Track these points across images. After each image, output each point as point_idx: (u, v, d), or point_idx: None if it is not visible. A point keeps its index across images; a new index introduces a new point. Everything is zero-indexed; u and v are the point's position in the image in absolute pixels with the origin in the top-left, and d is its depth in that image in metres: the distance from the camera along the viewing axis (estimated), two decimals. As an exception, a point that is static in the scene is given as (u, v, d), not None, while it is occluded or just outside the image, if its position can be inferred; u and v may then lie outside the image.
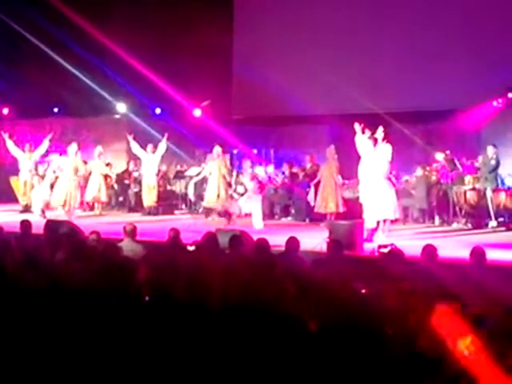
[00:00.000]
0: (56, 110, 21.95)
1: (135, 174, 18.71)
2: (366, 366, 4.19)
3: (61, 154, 17.35)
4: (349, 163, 13.57)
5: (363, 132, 12.51)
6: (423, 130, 17.83)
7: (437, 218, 15.40)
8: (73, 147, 16.35)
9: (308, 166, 16.96)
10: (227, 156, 17.23)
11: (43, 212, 16.37)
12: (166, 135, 17.03)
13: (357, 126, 12.48)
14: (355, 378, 4.14)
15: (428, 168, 15.95)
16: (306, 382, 4.11)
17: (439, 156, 15.89)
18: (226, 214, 14.42)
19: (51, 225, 11.10)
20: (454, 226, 14.79)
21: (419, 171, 15.75)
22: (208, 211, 16.38)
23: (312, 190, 15.74)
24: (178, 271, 6.13)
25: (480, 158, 15.03)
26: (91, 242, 8.97)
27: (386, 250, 7.66)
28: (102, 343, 4.48)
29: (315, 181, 15.51)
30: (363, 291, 5.61)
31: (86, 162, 18.78)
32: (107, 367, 4.33)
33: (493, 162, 14.33)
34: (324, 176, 15.06)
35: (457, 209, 15.07)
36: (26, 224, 10.33)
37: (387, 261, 7.46)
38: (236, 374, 4.21)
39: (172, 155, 18.55)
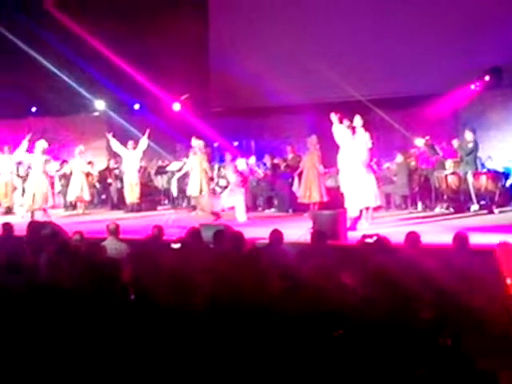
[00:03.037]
0: (34, 109, 21.83)
1: (116, 172, 18.65)
2: (353, 357, 4.21)
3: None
4: (330, 152, 13.56)
5: (341, 121, 12.50)
6: (402, 115, 17.87)
7: (419, 204, 15.47)
8: (40, 144, 16.23)
9: (289, 156, 16.95)
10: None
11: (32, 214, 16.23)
12: (147, 131, 16.97)
13: (333, 116, 12.45)
14: (343, 370, 4.16)
15: (407, 154, 15.99)
16: (294, 377, 4.12)
17: (419, 142, 15.93)
18: (212, 213, 14.37)
19: (34, 226, 11.03)
20: (437, 210, 14.86)
21: (399, 158, 15.78)
22: (192, 206, 16.37)
23: (296, 180, 15.74)
24: (161, 270, 6.13)
25: (455, 142, 15.08)
26: (75, 243, 8.93)
27: (370, 240, 7.66)
28: (88, 343, 4.47)
29: (298, 171, 15.51)
30: (348, 282, 5.63)
31: (66, 161, 18.74)
32: (94, 367, 4.32)
33: (470, 146, 14.36)
34: (306, 166, 15.05)
35: (439, 194, 15.14)
36: (7, 226, 10.27)
37: (372, 250, 7.46)
38: (223, 370, 4.22)
39: (153, 151, 18.49)
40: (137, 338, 4.50)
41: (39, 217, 15.31)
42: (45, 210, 15.81)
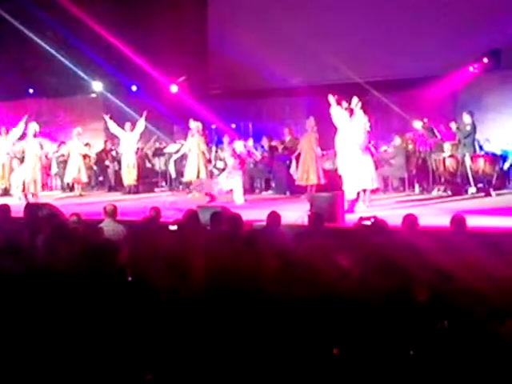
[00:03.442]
0: (31, 90, 21.76)
1: (113, 154, 18.63)
2: (351, 338, 4.22)
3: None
4: (328, 134, 13.55)
5: (339, 103, 12.48)
6: (400, 97, 17.82)
7: (417, 187, 15.48)
8: (31, 127, 16.27)
9: (287, 138, 16.93)
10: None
11: (25, 195, 16.25)
12: (144, 113, 16.94)
13: (331, 98, 12.44)
14: (341, 352, 4.17)
15: (405, 136, 15.97)
16: (289, 359, 4.13)
17: (417, 124, 15.91)
18: (208, 195, 14.38)
19: (31, 208, 11.01)
20: (434, 193, 14.87)
21: (397, 140, 15.76)
22: (189, 188, 16.38)
23: (294, 162, 15.73)
24: (158, 251, 6.13)
25: (453, 124, 15.07)
26: (72, 224, 8.91)
27: (367, 223, 7.66)
28: (86, 326, 4.47)
29: (296, 153, 15.49)
30: (345, 264, 5.62)
31: (64, 143, 18.70)
32: (91, 349, 4.32)
33: (468, 128, 14.37)
34: (304, 148, 15.03)
35: (436, 176, 15.13)
36: (4, 208, 10.23)
37: (369, 232, 7.47)
38: (219, 352, 4.22)
39: (150, 132, 18.46)
40: (133, 320, 4.50)
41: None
42: (34, 195, 15.88)
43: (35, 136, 16.31)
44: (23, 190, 16.05)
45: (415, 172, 15.58)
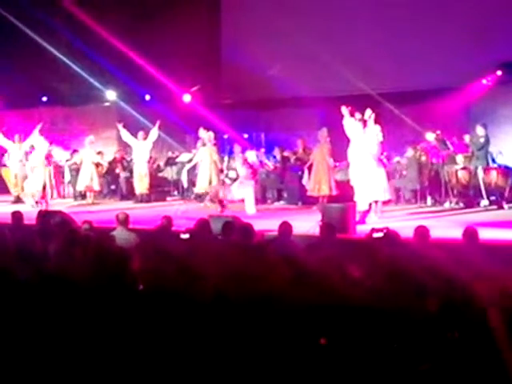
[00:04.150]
0: (45, 99, 21.86)
1: (125, 162, 18.69)
2: (361, 347, 4.21)
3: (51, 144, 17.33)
4: (341, 146, 13.56)
5: (352, 114, 12.49)
6: (413, 109, 17.80)
7: (429, 199, 15.42)
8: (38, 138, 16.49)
9: (300, 149, 16.92)
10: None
11: (36, 202, 16.33)
12: (158, 122, 17.00)
13: (344, 109, 12.46)
14: (349, 361, 4.16)
15: (418, 147, 15.94)
16: (301, 370, 4.12)
17: (430, 136, 15.87)
18: (219, 202, 14.39)
19: (43, 215, 11.06)
20: (446, 205, 14.81)
21: (410, 152, 15.74)
22: (200, 197, 16.40)
23: (306, 173, 15.73)
24: (170, 260, 6.14)
25: (467, 137, 15.04)
26: (84, 232, 8.94)
27: (379, 234, 7.65)
28: (97, 333, 4.48)
29: (308, 164, 15.49)
30: (356, 274, 5.62)
31: (76, 151, 18.78)
32: (102, 357, 4.33)
33: (482, 140, 14.34)
34: (316, 159, 15.03)
35: (448, 188, 15.09)
36: (17, 215, 10.29)
37: (381, 243, 7.46)
38: (229, 361, 4.22)
39: (162, 142, 18.51)
40: (144, 328, 4.51)
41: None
42: (41, 202, 15.97)
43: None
44: (42, 196, 16.12)
45: (427, 184, 15.54)
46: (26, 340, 4.44)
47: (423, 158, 15.76)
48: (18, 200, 17.25)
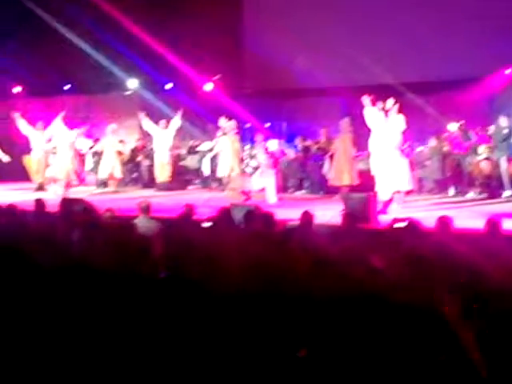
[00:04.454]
0: (67, 87, 21.95)
1: (147, 151, 18.73)
2: (382, 339, 4.20)
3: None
4: (363, 135, 13.52)
5: (374, 104, 12.44)
6: (436, 99, 17.69)
7: (451, 189, 15.35)
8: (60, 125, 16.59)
9: (323, 139, 16.88)
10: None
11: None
12: (180, 111, 17.01)
13: (365, 99, 12.40)
14: (369, 351, 4.16)
15: (441, 138, 15.86)
16: (321, 356, 4.12)
17: (453, 126, 15.80)
18: (241, 191, 14.41)
19: (66, 202, 11.12)
20: (469, 196, 14.73)
21: (432, 142, 15.68)
22: (222, 185, 16.43)
23: (327, 162, 15.70)
24: (192, 248, 6.15)
25: (491, 128, 14.94)
26: (106, 220, 8.99)
27: (401, 225, 7.62)
28: (118, 320, 4.50)
29: (330, 153, 15.46)
30: (377, 265, 5.61)
31: (99, 139, 18.85)
32: (124, 344, 4.35)
33: (505, 131, 14.25)
34: (338, 148, 14.99)
35: (471, 179, 15.01)
36: (40, 203, 10.36)
37: (403, 234, 7.44)
38: (252, 350, 4.23)
39: (184, 130, 18.53)
40: (164, 316, 4.52)
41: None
42: (67, 185, 16.07)
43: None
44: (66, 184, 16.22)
45: (450, 174, 15.46)
46: (49, 326, 4.47)
47: (446, 149, 15.69)
48: (41, 187, 17.34)
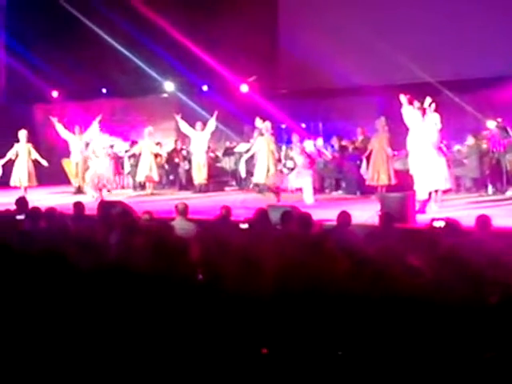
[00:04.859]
0: (104, 90, 22.13)
1: (184, 153, 18.81)
2: (422, 338, 4.18)
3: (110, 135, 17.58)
4: (399, 134, 13.45)
5: (411, 103, 12.36)
6: (473, 97, 17.51)
7: (490, 187, 15.19)
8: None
9: (360, 138, 16.82)
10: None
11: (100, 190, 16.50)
12: (215, 113, 17.06)
13: (402, 98, 12.33)
14: (411, 351, 4.13)
15: (478, 136, 15.71)
16: (362, 357, 4.11)
17: (491, 124, 15.64)
18: (276, 191, 14.41)
19: (104, 205, 11.20)
20: (508, 194, 14.58)
21: (470, 140, 15.53)
22: (258, 187, 16.44)
23: (364, 162, 15.65)
24: (230, 250, 6.16)
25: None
26: (144, 222, 9.04)
27: (440, 224, 7.56)
28: (157, 323, 4.52)
29: (366, 153, 15.41)
30: (416, 264, 5.57)
31: (136, 142, 18.97)
32: (164, 345, 4.37)
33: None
34: (375, 148, 14.95)
35: (510, 177, 14.85)
36: (79, 205, 10.44)
37: (441, 233, 7.38)
38: (287, 349, 4.23)
39: (220, 132, 18.58)
40: (202, 318, 4.53)
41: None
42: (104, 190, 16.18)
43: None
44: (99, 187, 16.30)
45: (488, 172, 15.31)
46: (87, 329, 4.51)
47: (484, 146, 15.54)
48: (79, 191, 17.50)
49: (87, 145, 17.69)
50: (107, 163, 16.66)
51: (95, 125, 17.42)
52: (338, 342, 4.21)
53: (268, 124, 16.20)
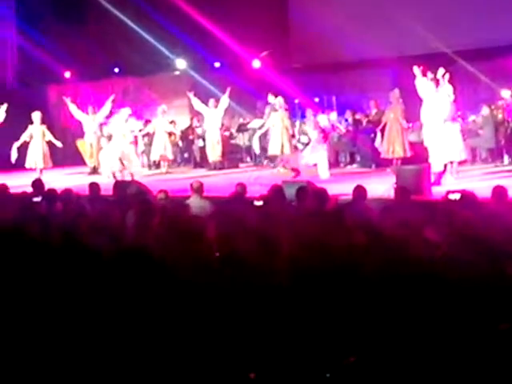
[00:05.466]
0: (117, 70, 22.10)
1: (198, 131, 18.78)
2: (442, 314, 4.17)
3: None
4: (413, 106, 13.37)
5: (424, 74, 12.28)
6: (488, 66, 17.34)
7: (506, 157, 15.10)
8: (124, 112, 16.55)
9: (373, 111, 16.73)
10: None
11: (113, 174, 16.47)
12: (228, 89, 17.01)
13: (416, 69, 12.25)
14: (429, 325, 4.12)
15: (493, 106, 15.59)
16: (382, 334, 4.11)
17: (505, 93, 15.52)
18: (292, 168, 14.39)
19: (120, 186, 11.22)
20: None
21: (485, 110, 15.41)
22: (273, 162, 16.44)
23: (379, 135, 15.58)
24: (245, 227, 6.16)
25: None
26: (160, 201, 9.06)
27: (456, 196, 7.52)
28: (177, 303, 4.53)
29: (381, 126, 15.33)
30: (432, 237, 5.55)
31: (149, 121, 18.95)
32: (183, 326, 4.37)
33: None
34: (389, 120, 14.87)
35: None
36: (94, 186, 10.47)
37: (457, 205, 7.34)
38: (312, 332, 4.22)
39: (233, 109, 18.54)
40: (221, 296, 4.54)
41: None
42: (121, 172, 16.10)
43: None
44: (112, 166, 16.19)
45: (504, 142, 15.21)
46: (105, 311, 4.51)
47: (499, 116, 15.43)
48: (94, 171, 17.53)
49: (101, 125, 17.69)
50: (132, 147, 16.57)
51: (108, 104, 17.41)
52: (357, 319, 4.21)
53: (281, 99, 16.14)
